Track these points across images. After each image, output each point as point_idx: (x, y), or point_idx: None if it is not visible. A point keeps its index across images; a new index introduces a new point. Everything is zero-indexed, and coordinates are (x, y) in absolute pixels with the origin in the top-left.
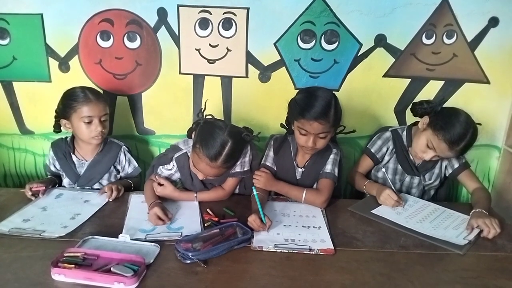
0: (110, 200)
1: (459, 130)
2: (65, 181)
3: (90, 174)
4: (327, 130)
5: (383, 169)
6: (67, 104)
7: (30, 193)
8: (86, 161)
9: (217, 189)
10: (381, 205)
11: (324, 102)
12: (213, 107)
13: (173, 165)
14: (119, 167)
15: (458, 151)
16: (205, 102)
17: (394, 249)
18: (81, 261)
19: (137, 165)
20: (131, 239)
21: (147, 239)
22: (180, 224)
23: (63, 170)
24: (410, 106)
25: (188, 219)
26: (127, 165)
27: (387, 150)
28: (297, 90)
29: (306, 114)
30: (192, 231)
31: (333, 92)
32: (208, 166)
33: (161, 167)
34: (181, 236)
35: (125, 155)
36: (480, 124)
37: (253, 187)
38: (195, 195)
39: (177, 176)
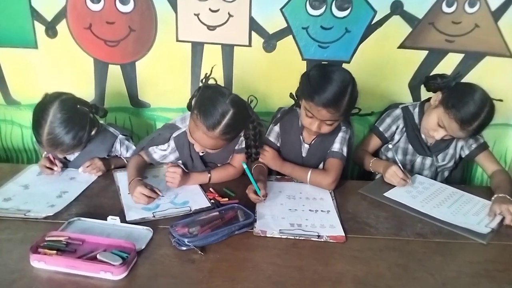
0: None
1: (472, 109)
2: None
3: (80, 163)
4: (335, 119)
5: (390, 146)
6: (33, 128)
7: (48, 164)
8: None
9: (227, 166)
10: (394, 187)
11: (338, 88)
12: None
13: (168, 146)
14: (114, 155)
15: (471, 131)
16: (212, 68)
17: (410, 237)
18: (64, 247)
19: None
20: (136, 220)
21: (155, 217)
22: (184, 199)
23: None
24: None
25: (190, 192)
26: (125, 152)
27: (396, 129)
28: (305, 61)
29: (315, 98)
30: (200, 205)
31: (352, 75)
32: (204, 135)
33: (154, 147)
34: (190, 210)
35: (121, 144)
36: (501, 100)
37: (242, 162)
38: (209, 175)
39: (172, 157)
